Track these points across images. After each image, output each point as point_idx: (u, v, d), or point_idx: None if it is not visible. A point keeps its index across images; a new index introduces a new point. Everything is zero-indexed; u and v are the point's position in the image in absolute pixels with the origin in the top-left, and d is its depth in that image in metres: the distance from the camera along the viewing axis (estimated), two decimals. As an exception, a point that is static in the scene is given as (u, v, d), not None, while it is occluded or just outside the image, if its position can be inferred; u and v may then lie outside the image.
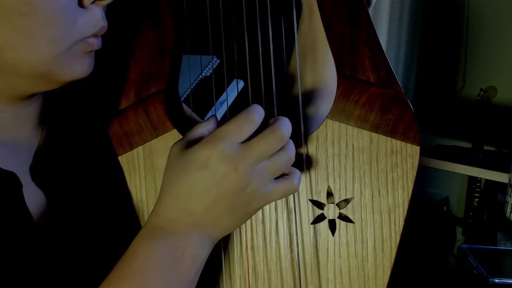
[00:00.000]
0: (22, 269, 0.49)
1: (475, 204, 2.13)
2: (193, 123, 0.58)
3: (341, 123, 0.53)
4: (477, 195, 2.12)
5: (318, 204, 0.54)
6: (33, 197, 0.53)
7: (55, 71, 0.50)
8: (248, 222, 0.56)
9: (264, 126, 0.49)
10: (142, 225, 0.58)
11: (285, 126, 0.48)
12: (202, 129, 0.50)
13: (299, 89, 0.59)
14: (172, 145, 0.49)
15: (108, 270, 0.49)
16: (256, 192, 0.47)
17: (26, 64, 0.48)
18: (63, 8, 0.47)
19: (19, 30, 0.46)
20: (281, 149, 0.48)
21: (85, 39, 0.51)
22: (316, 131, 0.54)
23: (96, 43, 0.52)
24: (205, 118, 1.03)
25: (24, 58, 0.48)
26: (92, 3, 0.50)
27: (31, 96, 0.55)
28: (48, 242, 0.53)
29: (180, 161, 0.47)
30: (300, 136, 0.54)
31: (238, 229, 0.56)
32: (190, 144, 0.48)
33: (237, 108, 0.51)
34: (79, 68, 0.52)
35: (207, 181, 0.46)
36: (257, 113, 0.48)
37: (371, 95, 0.52)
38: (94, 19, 0.51)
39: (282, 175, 0.49)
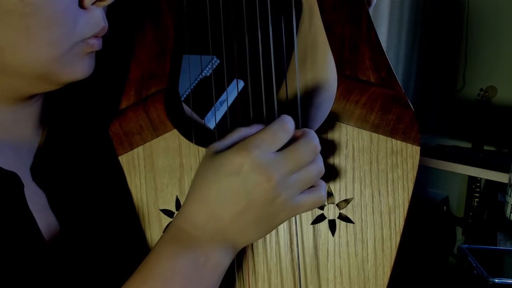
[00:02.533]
0: (22, 270, 0.49)
1: (475, 204, 2.13)
2: (193, 123, 0.58)
3: (341, 123, 0.53)
4: (477, 195, 2.13)
5: (318, 204, 0.54)
6: (34, 197, 0.53)
7: (56, 72, 0.50)
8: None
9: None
10: (143, 225, 0.58)
11: (316, 138, 0.48)
12: (243, 133, 0.48)
13: (298, 89, 0.59)
14: (209, 146, 0.48)
15: (108, 270, 0.49)
16: (285, 204, 0.46)
17: (26, 65, 0.48)
18: (64, 9, 0.47)
19: (20, 31, 0.46)
20: (312, 161, 0.47)
21: (85, 40, 0.50)
22: (316, 131, 0.54)
23: (96, 44, 0.52)
24: (205, 118, 1.03)
25: (24, 59, 0.48)
26: (93, 4, 0.50)
27: (32, 97, 0.55)
28: (49, 242, 0.53)
29: (212, 164, 0.46)
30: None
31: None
32: (226, 144, 0.47)
33: (237, 108, 0.51)
34: (80, 69, 0.52)
35: (237, 188, 0.45)
36: (290, 123, 0.47)
37: (371, 95, 0.52)
38: (95, 20, 0.51)
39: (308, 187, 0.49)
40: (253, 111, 0.56)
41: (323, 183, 0.49)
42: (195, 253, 0.47)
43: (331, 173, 0.54)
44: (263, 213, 0.46)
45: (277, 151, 0.46)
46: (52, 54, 0.48)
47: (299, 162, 0.46)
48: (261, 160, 0.44)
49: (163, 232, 0.52)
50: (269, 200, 0.45)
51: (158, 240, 0.49)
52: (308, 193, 0.48)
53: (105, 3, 0.51)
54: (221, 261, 0.48)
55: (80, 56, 0.51)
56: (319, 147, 0.48)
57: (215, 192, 0.46)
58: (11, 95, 0.52)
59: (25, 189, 0.51)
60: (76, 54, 0.50)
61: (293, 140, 0.47)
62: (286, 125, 0.47)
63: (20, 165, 0.54)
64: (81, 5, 0.49)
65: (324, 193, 0.49)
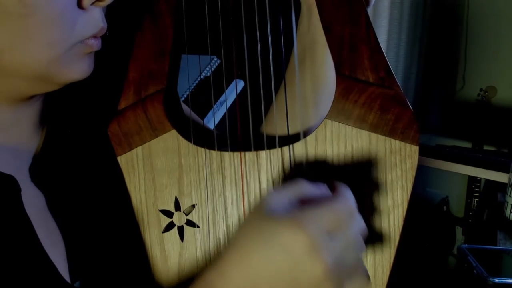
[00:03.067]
0: (18, 274, 0.48)
1: (475, 204, 2.13)
2: (192, 123, 0.58)
3: (340, 123, 0.53)
4: (477, 195, 2.13)
5: (317, 204, 0.54)
6: (33, 199, 0.53)
7: (55, 72, 0.50)
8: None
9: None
10: (142, 225, 0.58)
11: (360, 217, 0.45)
12: (304, 191, 0.44)
13: (297, 89, 0.59)
14: (265, 196, 0.44)
15: (106, 271, 0.49)
16: None
17: (25, 66, 0.48)
18: (62, 10, 0.47)
19: (18, 32, 0.46)
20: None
21: (84, 41, 0.51)
22: (315, 131, 0.54)
23: (95, 44, 0.52)
24: (205, 118, 1.03)
25: (23, 60, 0.48)
26: (92, 4, 0.50)
27: (31, 98, 0.55)
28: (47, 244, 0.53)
29: (263, 228, 0.42)
30: (299, 137, 0.54)
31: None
32: (283, 207, 0.43)
33: (236, 108, 0.51)
34: (79, 69, 0.52)
35: (284, 266, 0.41)
36: (354, 204, 0.44)
37: (370, 95, 0.52)
38: (94, 20, 0.51)
39: None
40: (252, 111, 0.56)
41: (362, 261, 0.46)
42: None
43: (330, 174, 0.54)
44: None
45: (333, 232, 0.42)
46: (51, 54, 0.48)
47: (351, 244, 0.43)
48: (317, 243, 0.40)
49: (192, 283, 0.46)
50: (318, 286, 0.41)
51: None
52: (353, 280, 0.44)
53: (104, 4, 0.51)
54: None
55: (79, 57, 0.51)
56: (365, 227, 0.45)
57: (259, 261, 0.41)
58: (10, 95, 0.52)
59: (23, 190, 0.51)
60: (75, 54, 0.50)
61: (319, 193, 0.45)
62: (351, 207, 0.44)
63: (18, 166, 0.54)
64: (79, 5, 0.49)
65: (368, 278, 0.45)
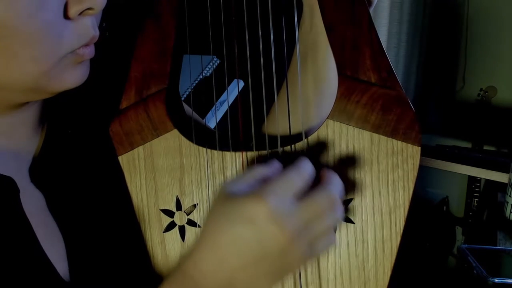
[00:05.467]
0: (16, 274, 0.48)
1: (475, 204, 2.13)
2: (193, 123, 0.58)
3: (342, 124, 0.53)
4: (477, 195, 2.12)
5: (318, 205, 0.54)
6: (32, 199, 0.53)
7: (46, 84, 0.49)
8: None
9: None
10: (143, 225, 0.58)
11: (338, 187, 0.47)
12: (258, 174, 0.46)
13: (299, 89, 0.59)
14: (224, 184, 0.47)
15: (106, 271, 0.48)
16: (299, 256, 0.44)
17: (13, 80, 0.47)
18: (46, 25, 0.45)
19: (1, 52, 0.45)
20: (329, 212, 0.46)
21: (75, 51, 0.49)
22: (317, 132, 0.54)
23: (87, 53, 0.50)
24: (206, 118, 1.02)
25: (10, 76, 0.47)
26: (80, 14, 0.48)
27: (27, 103, 0.54)
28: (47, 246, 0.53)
29: (225, 209, 0.44)
30: (300, 137, 0.54)
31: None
32: (242, 188, 0.45)
33: (237, 108, 0.51)
34: (71, 78, 0.50)
35: (251, 238, 0.43)
36: (307, 170, 0.46)
37: (372, 95, 0.52)
38: (83, 30, 0.49)
39: None
40: (254, 111, 0.56)
41: (332, 230, 0.48)
42: None
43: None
44: (276, 265, 0.44)
45: (296, 200, 0.44)
46: (38, 70, 0.47)
47: (316, 215, 0.45)
48: (277, 210, 0.42)
49: (167, 276, 0.48)
50: (284, 253, 0.43)
51: (163, 282, 0.47)
52: (321, 240, 0.46)
53: (94, 12, 0.48)
54: None
55: (70, 66, 0.50)
56: (338, 200, 0.46)
57: (227, 239, 0.43)
58: (4, 104, 0.52)
59: (23, 191, 0.51)
60: (66, 65, 0.49)
61: (316, 181, 0.46)
62: (304, 173, 0.46)
63: (18, 167, 0.54)
64: (66, 16, 0.47)
65: (335, 238, 0.48)
